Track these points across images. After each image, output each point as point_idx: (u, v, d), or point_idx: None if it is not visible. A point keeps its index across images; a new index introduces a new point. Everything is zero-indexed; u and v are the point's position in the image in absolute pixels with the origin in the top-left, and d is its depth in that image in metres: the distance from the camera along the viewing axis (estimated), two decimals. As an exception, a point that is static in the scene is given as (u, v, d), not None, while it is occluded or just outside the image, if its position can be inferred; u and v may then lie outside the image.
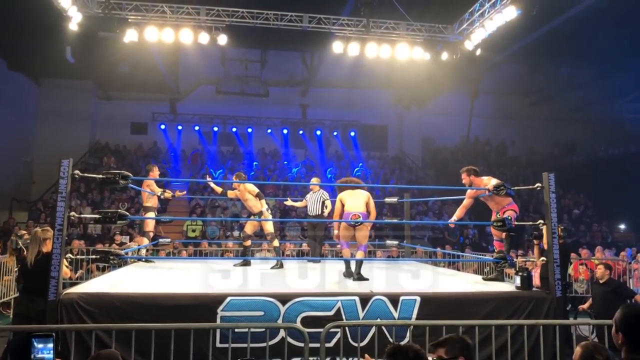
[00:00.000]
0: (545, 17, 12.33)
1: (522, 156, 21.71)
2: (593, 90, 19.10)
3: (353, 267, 6.21)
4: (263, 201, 7.52)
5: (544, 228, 6.09)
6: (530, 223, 7.27)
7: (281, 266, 7.33)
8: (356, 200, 6.34)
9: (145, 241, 8.21)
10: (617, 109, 19.87)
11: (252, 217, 7.79)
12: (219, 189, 8.33)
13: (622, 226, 17.49)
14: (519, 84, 20.73)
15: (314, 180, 9.38)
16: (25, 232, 8.69)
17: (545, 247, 6.98)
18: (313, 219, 8.49)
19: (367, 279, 5.98)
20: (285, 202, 9.10)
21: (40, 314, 4.58)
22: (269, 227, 7.68)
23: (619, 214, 17.26)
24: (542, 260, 5.78)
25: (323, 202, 8.37)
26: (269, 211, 7.80)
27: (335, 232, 6.68)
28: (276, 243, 7.68)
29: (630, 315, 2.23)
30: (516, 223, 6.09)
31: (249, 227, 7.86)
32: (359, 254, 6.24)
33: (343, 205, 6.42)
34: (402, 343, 2.88)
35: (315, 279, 6.23)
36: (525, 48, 14.98)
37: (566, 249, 6.00)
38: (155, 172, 8.23)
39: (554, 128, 21.13)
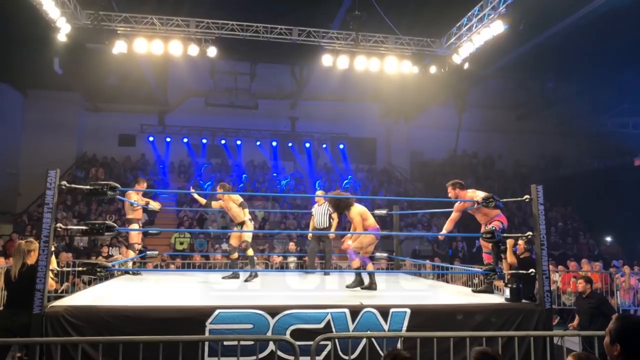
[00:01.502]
0: (531, 32, 12.56)
1: (509, 169, 21.89)
2: (578, 105, 19.45)
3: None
4: (246, 210, 7.54)
5: (508, 242, 6.19)
6: (507, 235, 7.32)
7: (255, 276, 7.29)
8: (370, 215, 6.59)
9: (131, 254, 8.14)
10: (602, 122, 20.18)
11: (235, 229, 7.77)
12: (202, 200, 8.32)
13: (608, 238, 17.66)
14: (506, 98, 21.01)
15: (319, 192, 9.36)
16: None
17: (510, 260, 7.06)
18: (321, 231, 8.47)
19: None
20: (308, 236, 9.10)
21: (24, 328, 4.48)
22: (247, 235, 7.67)
23: (605, 226, 17.43)
24: (528, 273, 5.79)
25: (330, 215, 8.37)
26: (252, 221, 7.84)
27: (351, 243, 6.53)
28: (250, 252, 7.63)
29: (628, 325, 2.17)
30: (504, 235, 6.13)
31: (234, 240, 7.85)
32: (370, 266, 6.51)
33: (363, 220, 6.49)
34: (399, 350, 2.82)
35: (304, 291, 6.21)
36: (511, 62, 15.20)
37: (530, 263, 5.98)
38: (142, 185, 8.20)
39: (540, 141, 21.43)
